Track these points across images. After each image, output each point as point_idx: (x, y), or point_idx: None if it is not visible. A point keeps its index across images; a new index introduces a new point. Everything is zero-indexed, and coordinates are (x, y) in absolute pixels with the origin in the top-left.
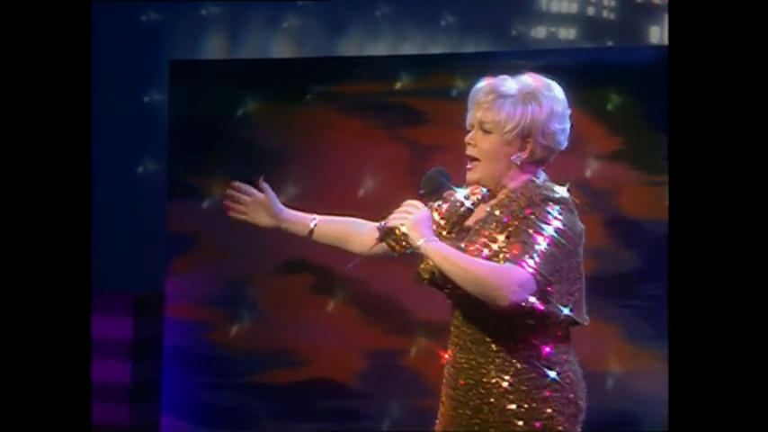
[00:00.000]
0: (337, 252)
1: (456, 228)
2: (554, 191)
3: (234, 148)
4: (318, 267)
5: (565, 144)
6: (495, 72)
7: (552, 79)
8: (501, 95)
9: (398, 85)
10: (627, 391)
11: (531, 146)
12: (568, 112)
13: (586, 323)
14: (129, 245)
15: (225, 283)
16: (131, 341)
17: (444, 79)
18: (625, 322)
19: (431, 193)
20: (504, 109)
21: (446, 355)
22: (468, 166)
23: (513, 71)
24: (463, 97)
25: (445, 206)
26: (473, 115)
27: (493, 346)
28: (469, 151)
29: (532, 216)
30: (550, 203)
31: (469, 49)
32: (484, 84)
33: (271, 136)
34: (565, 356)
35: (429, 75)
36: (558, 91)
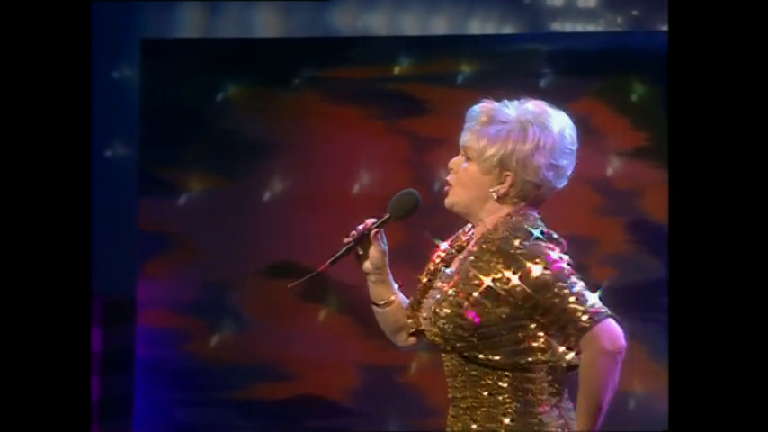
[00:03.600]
0: (326, 255)
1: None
2: (534, 228)
3: (212, 139)
4: (309, 271)
5: (560, 182)
6: (504, 56)
7: (569, 65)
8: (491, 121)
9: (397, 70)
10: (651, 413)
11: (510, 180)
12: (567, 145)
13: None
14: (95, 243)
15: (204, 287)
16: (99, 353)
17: (448, 64)
18: (650, 338)
19: (399, 219)
20: (486, 137)
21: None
22: (446, 188)
23: (525, 56)
24: (469, 84)
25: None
26: (461, 138)
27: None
28: (449, 177)
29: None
30: (539, 239)
31: (477, 20)
32: (481, 105)
33: (253, 125)
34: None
35: (431, 59)
36: (557, 122)
